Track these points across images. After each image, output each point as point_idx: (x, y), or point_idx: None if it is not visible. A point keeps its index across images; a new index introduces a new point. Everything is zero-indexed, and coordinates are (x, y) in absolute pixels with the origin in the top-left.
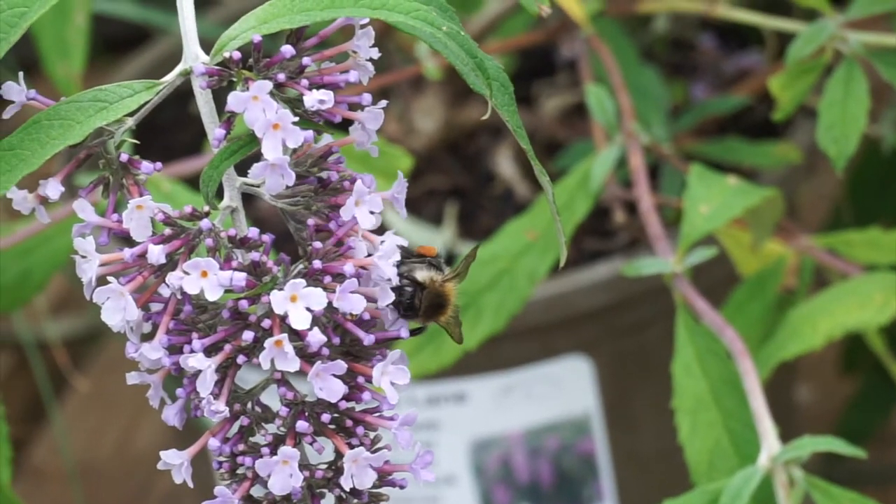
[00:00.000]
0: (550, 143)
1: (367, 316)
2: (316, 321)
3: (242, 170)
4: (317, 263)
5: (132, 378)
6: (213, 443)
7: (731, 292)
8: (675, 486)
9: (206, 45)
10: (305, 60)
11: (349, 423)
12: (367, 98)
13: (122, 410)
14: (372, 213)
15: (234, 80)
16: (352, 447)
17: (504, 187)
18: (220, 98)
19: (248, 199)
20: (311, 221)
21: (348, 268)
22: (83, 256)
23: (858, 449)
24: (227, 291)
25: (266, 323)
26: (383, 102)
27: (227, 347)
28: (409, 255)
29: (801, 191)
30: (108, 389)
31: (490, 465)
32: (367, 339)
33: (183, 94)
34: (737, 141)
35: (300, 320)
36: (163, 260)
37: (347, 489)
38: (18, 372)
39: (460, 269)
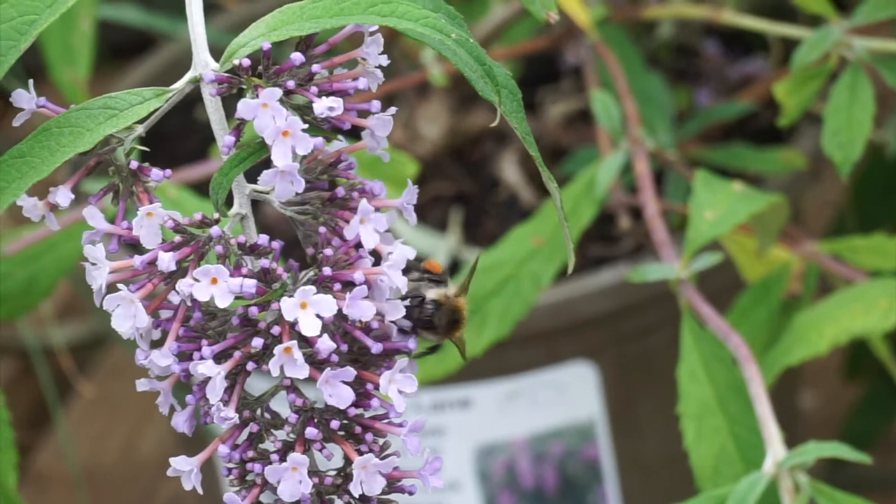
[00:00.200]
0: (555, 149)
1: (375, 324)
2: (325, 328)
3: (251, 177)
4: (327, 270)
5: (142, 385)
6: (223, 449)
7: (736, 298)
8: (680, 492)
9: (213, 51)
10: (315, 68)
11: (358, 429)
12: (376, 105)
13: (126, 416)
14: (377, 231)
15: (244, 87)
16: (361, 454)
17: (509, 193)
18: (228, 105)
19: (256, 204)
20: (322, 229)
21: (358, 275)
22: (93, 264)
23: (863, 454)
24: (236, 298)
25: (276, 330)
26: (392, 109)
27: (237, 354)
28: (415, 270)
29: (806, 197)
30: (112, 395)
31: (495, 471)
32: (376, 347)
33: (188, 101)
34: (742, 147)
35: (310, 327)
36: (173, 267)
37: (357, 495)
38: (23, 377)
39: (466, 282)
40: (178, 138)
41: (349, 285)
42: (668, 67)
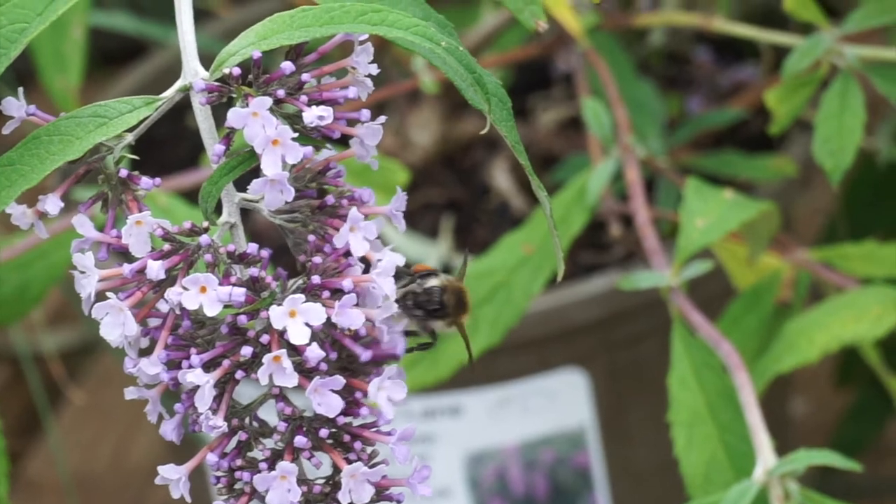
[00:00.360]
0: (546, 156)
1: (363, 332)
2: (314, 336)
3: (240, 185)
4: (315, 279)
5: (130, 393)
6: (212, 458)
7: (726, 306)
8: (670, 499)
9: (204, 59)
10: (305, 76)
11: (347, 438)
12: (365, 114)
13: (117, 423)
14: (366, 239)
15: (234, 95)
16: (350, 462)
17: (500, 200)
18: (218, 113)
19: (245, 212)
20: (311, 238)
21: (347, 283)
22: (82, 272)
23: (854, 462)
24: (225, 307)
25: (265, 338)
26: (382, 118)
27: (226, 363)
28: (405, 276)
29: (797, 204)
30: (103, 402)
31: (485, 478)
32: (365, 354)
33: (178, 108)
34: (733, 154)
35: (299, 335)
36: (162, 275)
37: None
38: (14, 384)
39: (461, 273)
40: (168, 145)
41: (338, 293)
42: (659, 75)
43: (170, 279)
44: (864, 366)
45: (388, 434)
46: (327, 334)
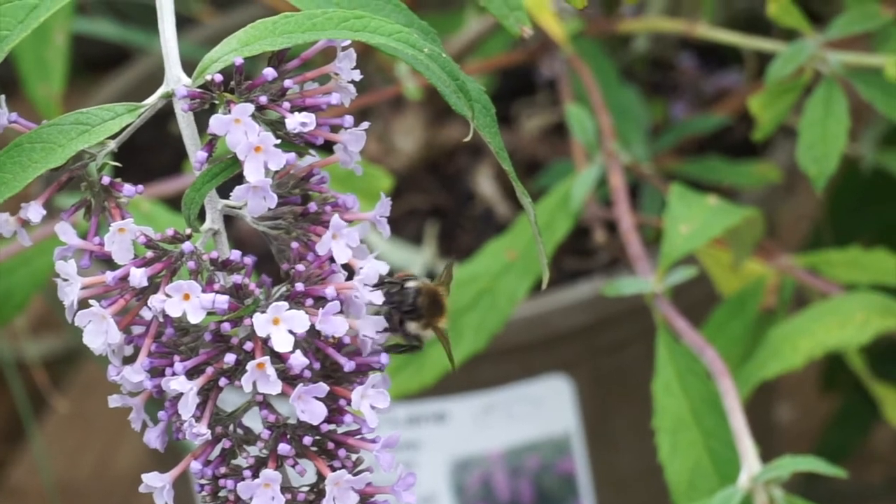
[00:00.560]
0: (530, 162)
1: (347, 340)
2: (298, 344)
3: (223, 191)
4: (299, 286)
5: (114, 401)
6: (195, 466)
7: (711, 312)
8: None
9: (187, 65)
10: (287, 83)
11: (331, 445)
12: (348, 120)
13: (101, 431)
14: (349, 246)
15: (216, 102)
16: (334, 469)
17: (484, 207)
18: (201, 120)
19: (229, 218)
20: (294, 245)
21: (330, 291)
22: (65, 279)
23: (839, 468)
24: (209, 314)
25: (248, 346)
26: (365, 124)
27: (209, 370)
28: (388, 282)
29: (781, 210)
30: (87, 410)
31: (470, 485)
32: (348, 364)
33: (162, 115)
34: (717, 160)
35: (283, 343)
36: (145, 283)
37: None
38: None
39: (444, 276)
40: (151, 152)
41: (322, 301)
42: (643, 81)
43: (153, 286)
44: (849, 372)
45: (373, 441)
46: (311, 343)
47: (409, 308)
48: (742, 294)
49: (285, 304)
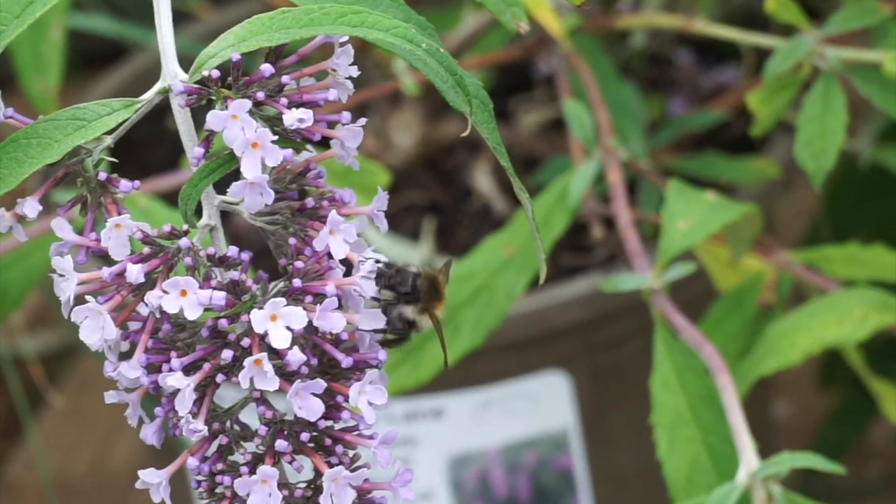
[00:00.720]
0: (528, 158)
1: (344, 336)
2: (295, 340)
3: (220, 187)
4: (297, 282)
5: (110, 397)
6: (192, 462)
7: (709, 308)
8: (653, 502)
9: (184, 61)
10: (284, 79)
11: (328, 441)
12: (346, 116)
13: (97, 427)
14: (346, 241)
15: (213, 98)
16: (331, 466)
17: (482, 203)
18: (198, 115)
19: (226, 214)
20: (292, 241)
21: (329, 288)
22: (61, 275)
23: (837, 464)
24: (206, 310)
25: (245, 342)
26: (363, 120)
27: (206, 366)
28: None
29: (779, 206)
30: (83, 406)
31: (468, 481)
32: (346, 361)
33: (159, 110)
34: (714, 156)
35: (280, 339)
36: (141, 279)
37: None
38: None
39: (443, 269)
40: (149, 147)
41: (320, 297)
42: (641, 77)
43: (149, 282)
44: (847, 368)
45: (370, 438)
46: (308, 339)
47: (407, 290)
48: (740, 290)
49: (283, 301)
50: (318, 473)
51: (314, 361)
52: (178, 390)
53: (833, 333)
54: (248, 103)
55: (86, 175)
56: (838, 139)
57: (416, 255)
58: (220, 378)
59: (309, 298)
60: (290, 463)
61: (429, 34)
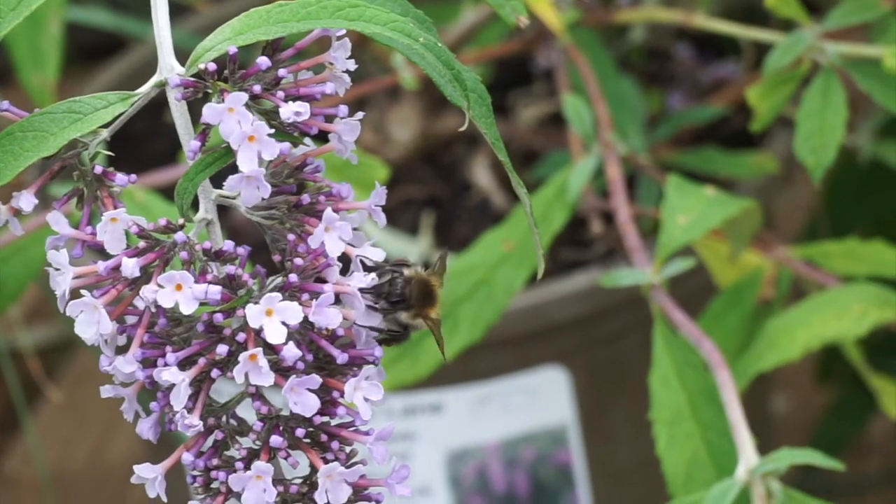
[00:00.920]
0: (527, 152)
1: (341, 332)
2: (291, 335)
3: (218, 181)
4: (293, 278)
5: (106, 391)
6: (187, 457)
7: (708, 303)
8: (652, 498)
9: (181, 54)
10: (281, 72)
11: (324, 437)
12: (343, 110)
13: (95, 421)
14: (342, 239)
15: (210, 91)
16: (327, 462)
17: (480, 197)
18: (195, 109)
19: (223, 208)
20: (290, 236)
21: (327, 289)
22: (57, 269)
23: (835, 460)
24: (201, 304)
25: (241, 336)
26: (360, 114)
27: (202, 361)
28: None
29: (779, 201)
30: (81, 400)
31: (466, 476)
32: (341, 357)
33: (156, 104)
34: (714, 151)
35: (275, 334)
36: (137, 273)
37: None
38: None
39: (438, 267)
40: (146, 141)
41: (316, 293)
42: (640, 71)
43: (145, 277)
44: (846, 363)
45: (366, 433)
46: (304, 334)
47: (397, 299)
48: (739, 285)
49: (278, 296)
50: (314, 469)
51: (309, 357)
52: (174, 385)
53: (832, 329)
54: (244, 96)
55: (82, 168)
56: (838, 134)
57: (414, 250)
58: (215, 373)
59: (305, 295)
60: (286, 458)
61: (426, 28)
